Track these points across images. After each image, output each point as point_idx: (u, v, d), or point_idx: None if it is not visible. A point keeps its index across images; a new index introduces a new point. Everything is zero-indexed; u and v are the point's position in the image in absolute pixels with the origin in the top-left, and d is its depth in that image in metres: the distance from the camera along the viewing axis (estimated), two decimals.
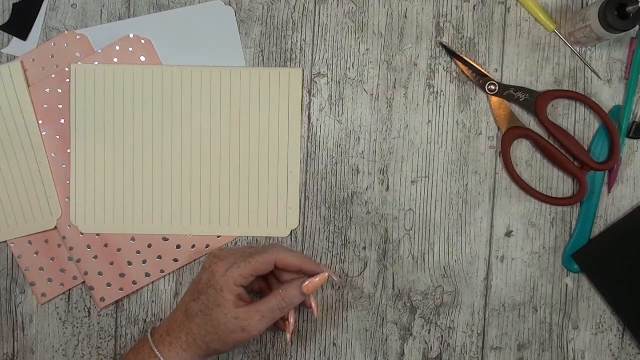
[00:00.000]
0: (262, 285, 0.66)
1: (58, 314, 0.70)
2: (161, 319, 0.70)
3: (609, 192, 0.70)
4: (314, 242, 0.70)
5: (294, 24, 0.70)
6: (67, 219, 0.69)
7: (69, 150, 0.69)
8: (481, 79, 0.69)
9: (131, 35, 0.70)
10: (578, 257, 0.69)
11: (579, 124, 0.70)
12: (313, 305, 0.63)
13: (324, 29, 0.70)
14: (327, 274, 0.62)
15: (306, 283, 0.61)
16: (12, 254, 0.70)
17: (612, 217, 0.70)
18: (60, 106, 0.69)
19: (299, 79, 0.69)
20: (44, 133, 0.69)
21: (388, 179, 0.70)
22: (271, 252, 0.61)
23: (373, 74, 0.70)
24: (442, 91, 0.70)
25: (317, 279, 0.61)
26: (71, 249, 0.69)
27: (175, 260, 0.70)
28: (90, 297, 0.70)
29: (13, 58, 0.70)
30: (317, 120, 0.70)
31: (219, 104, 0.69)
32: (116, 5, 0.70)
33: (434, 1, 0.70)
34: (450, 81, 0.70)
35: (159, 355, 0.59)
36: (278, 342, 0.70)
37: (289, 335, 0.63)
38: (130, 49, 0.69)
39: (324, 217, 0.70)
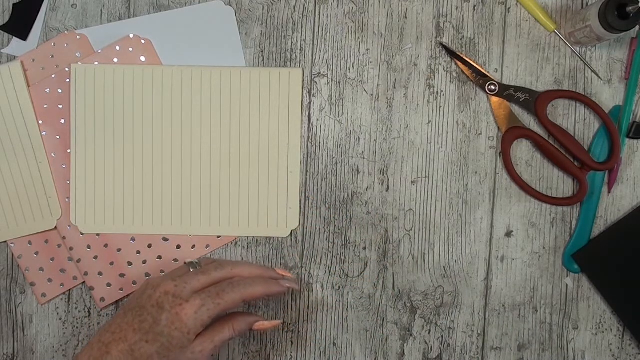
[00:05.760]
0: None
1: (58, 314, 0.70)
2: None
3: (609, 192, 0.70)
4: (314, 242, 0.70)
5: (294, 24, 0.70)
6: (67, 219, 0.69)
7: (69, 150, 0.69)
8: (481, 79, 0.69)
9: (131, 35, 0.70)
10: (578, 257, 0.69)
11: (579, 124, 0.70)
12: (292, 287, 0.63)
13: (324, 29, 0.70)
14: (279, 322, 0.62)
15: (258, 324, 0.61)
16: (12, 254, 0.70)
17: (612, 217, 0.70)
18: (60, 106, 0.69)
19: (299, 79, 0.69)
20: (44, 133, 0.69)
21: (388, 179, 0.70)
22: (238, 290, 0.58)
23: (373, 74, 0.70)
24: (442, 91, 0.70)
25: (270, 323, 0.61)
26: (71, 249, 0.69)
27: (175, 260, 0.70)
28: (90, 297, 0.70)
29: (13, 58, 0.70)
30: (317, 120, 0.70)
31: (219, 104, 0.69)
32: (116, 5, 0.70)
33: (434, 1, 0.70)
34: (450, 81, 0.70)
35: None
36: (278, 342, 0.70)
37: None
38: (130, 49, 0.69)
39: (324, 217, 0.70)
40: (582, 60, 0.70)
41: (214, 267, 0.60)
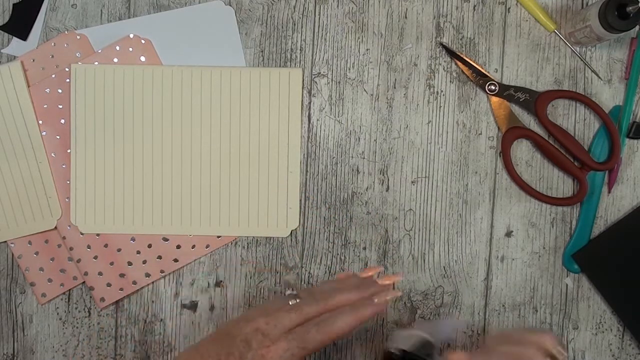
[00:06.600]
0: None
1: (58, 314, 0.70)
2: (161, 319, 0.70)
3: (609, 192, 0.70)
4: (314, 242, 0.70)
5: (294, 24, 0.70)
6: (67, 219, 0.69)
7: (69, 150, 0.69)
8: (481, 79, 0.69)
9: (131, 35, 0.70)
10: (578, 257, 0.69)
11: (579, 124, 0.70)
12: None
13: (324, 29, 0.70)
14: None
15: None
16: (12, 254, 0.70)
17: (612, 217, 0.70)
18: (60, 106, 0.69)
19: (299, 79, 0.69)
20: (44, 133, 0.69)
21: (388, 179, 0.70)
22: (324, 331, 0.57)
23: (373, 74, 0.70)
24: (442, 91, 0.70)
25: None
26: (71, 249, 0.69)
27: (175, 260, 0.70)
28: (90, 297, 0.70)
29: (13, 58, 0.70)
30: (317, 120, 0.70)
31: (218, 104, 0.69)
32: (116, 5, 0.70)
33: (434, 1, 0.70)
34: (450, 81, 0.70)
35: None
36: None
37: None
38: (130, 49, 0.69)
39: (324, 217, 0.70)
40: (582, 60, 0.70)
41: (308, 303, 0.59)
